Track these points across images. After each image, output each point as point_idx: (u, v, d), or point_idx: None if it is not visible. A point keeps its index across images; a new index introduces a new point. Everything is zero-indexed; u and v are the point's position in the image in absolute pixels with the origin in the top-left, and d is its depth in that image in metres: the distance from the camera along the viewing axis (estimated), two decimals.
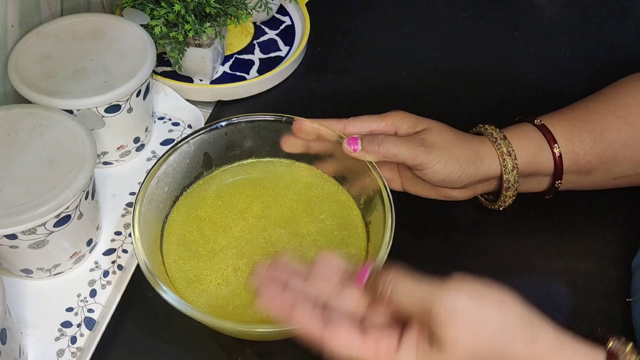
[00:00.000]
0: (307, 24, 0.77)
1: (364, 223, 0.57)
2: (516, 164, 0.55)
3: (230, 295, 0.52)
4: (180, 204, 0.57)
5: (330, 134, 0.56)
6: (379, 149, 0.53)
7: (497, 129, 0.56)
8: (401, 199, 0.59)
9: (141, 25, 0.63)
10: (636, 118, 0.55)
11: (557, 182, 0.57)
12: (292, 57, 0.74)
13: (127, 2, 0.65)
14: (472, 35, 0.81)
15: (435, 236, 0.61)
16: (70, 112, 0.55)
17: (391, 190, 0.53)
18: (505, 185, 0.56)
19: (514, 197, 0.57)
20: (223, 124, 0.57)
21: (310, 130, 0.57)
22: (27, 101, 0.56)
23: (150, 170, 0.54)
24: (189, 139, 0.56)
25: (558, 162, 0.55)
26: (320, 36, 0.79)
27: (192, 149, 0.57)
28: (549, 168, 0.56)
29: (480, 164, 0.55)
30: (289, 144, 0.58)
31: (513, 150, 0.55)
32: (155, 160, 0.55)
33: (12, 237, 0.49)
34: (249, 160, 0.60)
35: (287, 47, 0.77)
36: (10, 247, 0.50)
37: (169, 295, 0.47)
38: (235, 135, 0.58)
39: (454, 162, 0.53)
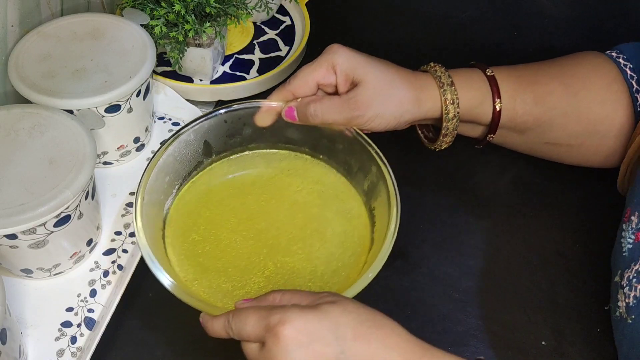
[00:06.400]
0: (307, 24, 0.77)
1: (368, 209, 0.56)
2: (458, 113, 0.54)
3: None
4: (180, 205, 0.57)
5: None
6: (314, 120, 0.53)
7: (447, 74, 0.55)
8: (406, 183, 0.58)
9: (141, 25, 0.63)
10: (580, 89, 0.55)
11: (489, 135, 0.57)
12: (292, 57, 0.74)
13: (127, 2, 0.65)
14: (472, 35, 0.81)
15: (433, 233, 0.60)
16: (70, 112, 0.55)
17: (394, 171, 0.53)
18: (443, 131, 0.56)
19: (451, 143, 0.57)
20: (222, 111, 0.56)
21: (268, 116, 0.56)
22: (27, 101, 0.56)
23: (151, 159, 0.53)
24: (188, 127, 0.55)
25: (496, 116, 0.55)
26: (320, 36, 0.79)
27: (192, 138, 0.56)
28: (486, 120, 0.56)
29: (418, 109, 0.54)
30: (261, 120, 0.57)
31: (457, 98, 0.54)
32: (156, 150, 0.54)
33: (12, 237, 0.49)
34: (249, 147, 0.60)
35: (287, 47, 0.77)
36: (10, 247, 0.50)
37: (168, 281, 0.47)
38: (235, 123, 0.58)
39: (389, 117, 0.53)
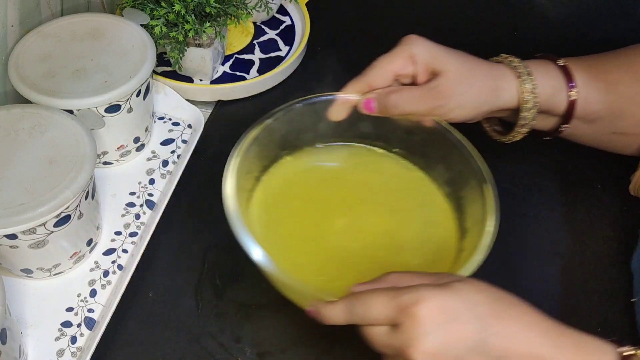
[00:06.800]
0: (307, 24, 0.77)
1: (454, 199, 0.55)
2: (537, 103, 0.54)
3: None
4: (260, 203, 0.55)
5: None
6: (394, 111, 0.52)
7: (523, 63, 0.55)
8: None
9: (141, 25, 0.63)
10: None
11: (563, 125, 0.56)
12: (292, 57, 0.74)
13: (127, 2, 0.65)
14: (472, 35, 0.81)
15: None
16: (70, 112, 0.55)
17: None
18: (521, 122, 0.55)
19: (525, 135, 0.56)
20: (298, 105, 0.55)
21: (342, 109, 0.55)
22: (27, 101, 0.56)
23: (230, 158, 0.51)
24: (267, 120, 0.53)
25: (571, 106, 0.55)
26: (320, 36, 0.79)
27: (267, 132, 0.54)
28: (560, 110, 0.55)
29: (496, 100, 0.54)
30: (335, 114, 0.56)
31: (536, 87, 0.53)
32: (234, 146, 0.51)
33: (12, 237, 0.49)
34: (323, 141, 0.58)
35: (287, 47, 0.77)
36: (10, 247, 0.50)
37: (257, 249, 0.45)
38: (309, 116, 0.56)
39: (470, 107, 0.53)
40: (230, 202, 0.48)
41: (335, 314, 0.42)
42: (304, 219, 0.55)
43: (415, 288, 0.39)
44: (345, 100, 0.55)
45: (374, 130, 0.58)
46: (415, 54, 0.53)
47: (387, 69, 0.53)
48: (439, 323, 0.38)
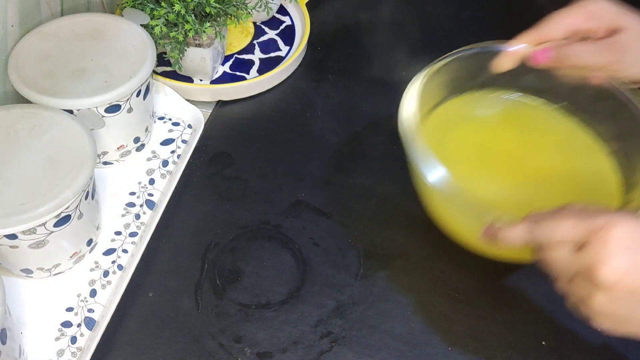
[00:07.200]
0: (307, 24, 0.77)
1: (618, 155, 0.56)
2: None
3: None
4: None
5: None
6: (573, 61, 0.52)
7: None
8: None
9: (141, 25, 0.63)
10: None
11: None
12: (292, 57, 0.74)
13: (127, 2, 0.65)
14: (472, 35, 0.81)
15: (433, 232, 0.60)
16: (70, 112, 0.56)
17: None
18: None
19: None
20: (471, 51, 0.56)
21: (510, 60, 0.55)
22: (27, 101, 0.56)
23: (408, 90, 0.53)
24: (441, 62, 0.55)
25: None
26: (320, 36, 0.79)
27: (439, 74, 0.55)
28: None
29: None
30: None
31: None
32: (411, 81, 0.54)
33: (12, 237, 0.49)
34: (487, 90, 0.60)
35: (287, 47, 0.77)
36: (10, 247, 0.50)
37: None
38: (474, 66, 0.57)
39: None
40: (407, 124, 0.49)
41: (516, 235, 0.44)
42: (473, 159, 0.56)
43: (607, 213, 0.40)
44: (515, 51, 0.54)
45: (539, 83, 0.58)
46: (596, 10, 0.53)
47: (564, 22, 0.53)
48: (629, 247, 0.39)
